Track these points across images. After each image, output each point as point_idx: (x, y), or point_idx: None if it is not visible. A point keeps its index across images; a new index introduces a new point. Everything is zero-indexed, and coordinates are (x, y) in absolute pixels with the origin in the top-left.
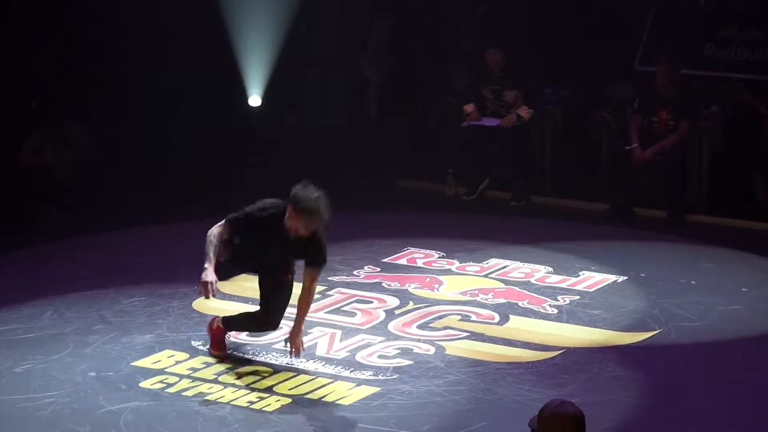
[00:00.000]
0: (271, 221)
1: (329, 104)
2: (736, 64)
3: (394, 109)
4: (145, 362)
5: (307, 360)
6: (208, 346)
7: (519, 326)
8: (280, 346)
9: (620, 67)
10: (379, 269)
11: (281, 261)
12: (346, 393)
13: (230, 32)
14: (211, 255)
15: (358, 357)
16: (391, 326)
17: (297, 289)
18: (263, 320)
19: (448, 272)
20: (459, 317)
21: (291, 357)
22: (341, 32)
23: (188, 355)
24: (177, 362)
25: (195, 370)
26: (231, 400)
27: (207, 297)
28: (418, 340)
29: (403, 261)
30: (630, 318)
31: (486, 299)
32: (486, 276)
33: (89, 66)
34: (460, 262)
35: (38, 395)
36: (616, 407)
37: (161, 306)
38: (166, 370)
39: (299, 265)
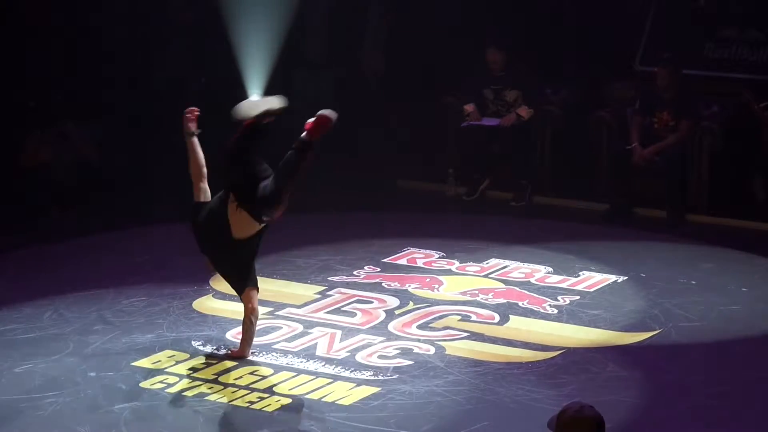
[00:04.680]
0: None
1: (323, 104)
2: (736, 64)
3: (394, 108)
4: (145, 362)
5: (307, 360)
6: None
7: (519, 326)
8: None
9: (620, 67)
10: (379, 269)
11: None
12: (346, 393)
13: (230, 32)
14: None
15: (358, 357)
16: (391, 326)
17: None
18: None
19: (448, 272)
20: (459, 317)
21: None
22: (329, 32)
23: (188, 355)
24: (177, 362)
25: (195, 370)
26: (231, 400)
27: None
28: (418, 340)
29: (403, 261)
30: (630, 318)
31: (486, 299)
32: (486, 276)
33: (89, 66)
34: (460, 262)
35: (38, 395)
36: (616, 407)
37: (161, 306)
38: (166, 370)
39: None
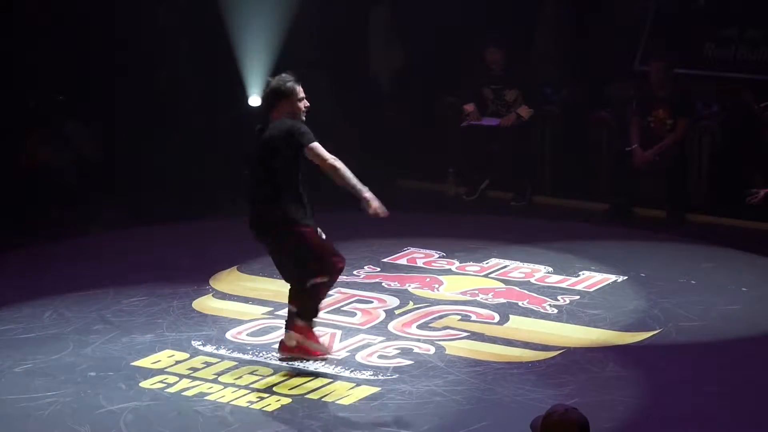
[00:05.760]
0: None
1: (327, 104)
2: (736, 64)
3: (394, 108)
4: (145, 362)
5: (308, 360)
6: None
7: (519, 326)
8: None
9: (620, 67)
10: (379, 269)
11: None
12: (346, 393)
13: (230, 32)
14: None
15: (358, 357)
16: (391, 326)
17: None
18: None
19: (448, 272)
20: (459, 317)
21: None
22: (324, 32)
23: (188, 355)
24: (177, 362)
25: (195, 370)
26: (231, 400)
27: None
28: (418, 340)
29: (403, 261)
30: (630, 318)
31: (486, 299)
32: (486, 276)
33: (89, 66)
34: (460, 262)
35: (38, 395)
36: (616, 407)
37: (161, 306)
38: (166, 370)
39: None
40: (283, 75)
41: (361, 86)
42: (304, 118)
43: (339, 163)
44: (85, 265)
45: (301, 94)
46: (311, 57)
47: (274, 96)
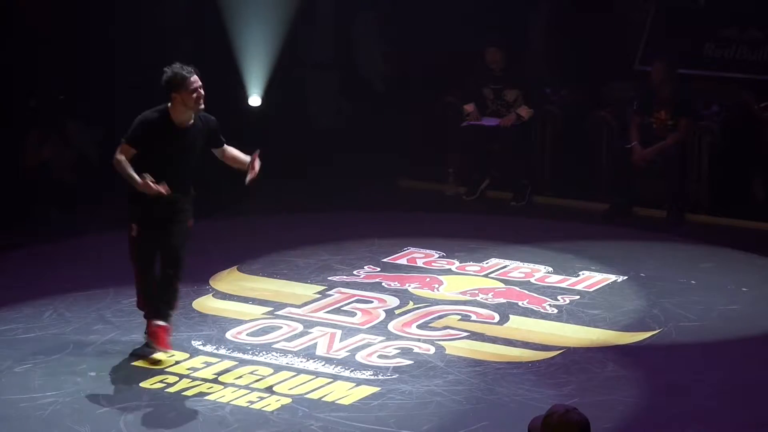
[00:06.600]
0: (162, 120)
1: (327, 105)
2: (736, 64)
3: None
4: (145, 362)
5: (307, 360)
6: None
7: (519, 326)
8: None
9: (620, 67)
10: (379, 269)
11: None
12: (346, 393)
13: (230, 32)
14: (132, 172)
15: (358, 357)
16: (391, 326)
17: None
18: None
19: (448, 272)
20: (459, 317)
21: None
22: (338, 33)
23: (188, 355)
24: (177, 362)
25: (195, 370)
26: (231, 400)
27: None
28: (418, 340)
29: (403, 261)
30: (630, 318)
31: (486, 299)
32: (486, 276)
33: (89, 66)
34: (460, 262)
35: (38, 395)
36: (616, 407)
37: None
38: (166, 370)
39: None
40: (176, 64)
41: (362, 86)
42: (202, 106)
43: (116, 161)
44: (85, 265)
45: (195, 84)
46: (317, 58)
47: (166, 87)
